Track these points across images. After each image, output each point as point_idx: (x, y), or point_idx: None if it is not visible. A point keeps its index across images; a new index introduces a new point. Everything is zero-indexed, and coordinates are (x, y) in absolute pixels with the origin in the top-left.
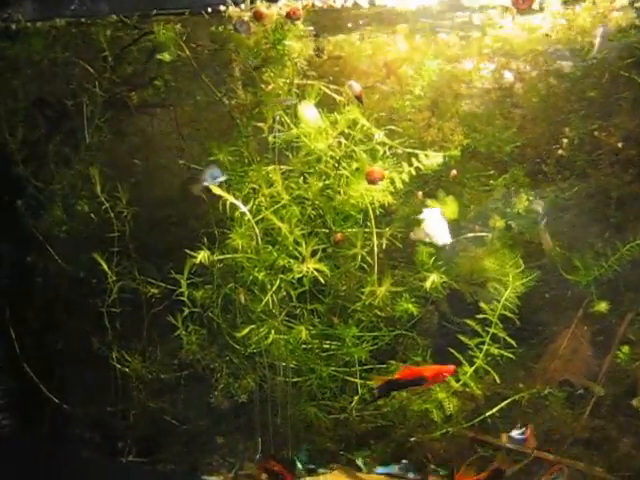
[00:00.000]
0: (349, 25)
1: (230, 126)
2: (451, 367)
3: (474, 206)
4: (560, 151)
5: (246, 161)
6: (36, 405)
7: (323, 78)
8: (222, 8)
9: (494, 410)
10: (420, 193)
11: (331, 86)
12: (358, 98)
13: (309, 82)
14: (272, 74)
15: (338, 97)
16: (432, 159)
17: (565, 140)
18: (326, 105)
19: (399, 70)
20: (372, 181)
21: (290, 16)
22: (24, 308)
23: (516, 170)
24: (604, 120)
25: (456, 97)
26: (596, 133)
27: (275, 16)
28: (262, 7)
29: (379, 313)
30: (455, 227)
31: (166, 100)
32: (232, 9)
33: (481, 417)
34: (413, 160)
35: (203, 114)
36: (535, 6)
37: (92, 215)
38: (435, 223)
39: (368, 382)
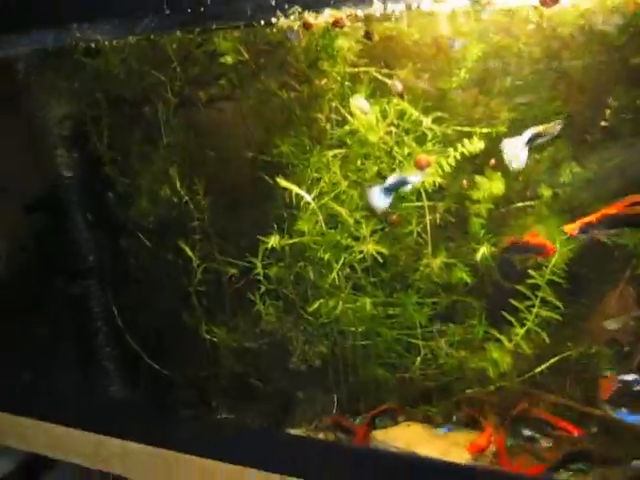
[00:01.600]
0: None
1: (290, 118)
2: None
3: (522, 177)
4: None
5: (308, 149)
6: (140, 372)
7: (375, 63)
8: (273, 20)
9: (542, 367)
10: (465, 181)
11: (383, 70)
12: (400, 96)
13: (360, 69)
14: (324, 70)
15: (389, 81)
16: (475, 144)
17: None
18: (379, 89)
19: (447, 49)
20: (420, 167)
21: (336, 25)
22: (122, 288)
23: (560, 142)
24: None
25: (502, 73)
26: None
27: (323, 24)
28: (310, 18)
29: (437, 280)
30: (503, 199)
31: (232, 96)
32: (282, 20)
33: (530, 373)
34: (458, 145)
35: (266, 107)
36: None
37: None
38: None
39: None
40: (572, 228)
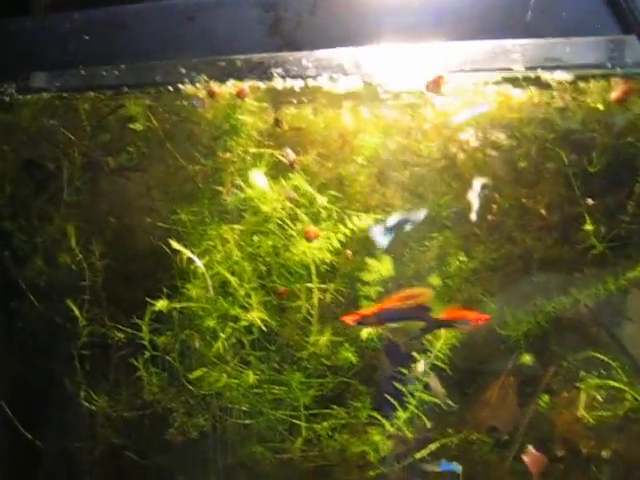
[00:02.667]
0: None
1: (194, 189)
2: (487, 316)
3: (414, 264)
4: (490, 216)
5: (206, 221)
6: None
7: (283, 147)
8: (181, 87)
9: (423, 452)
10: (349, 251)
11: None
12: (291, 165)
13: (260, 150)
14: (228, 144)
15: (294, 165)
16: (363, 221)
17: (495, 206)
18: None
19: (351, 141)
20: (308, 239)
21: (239, 95)
22: (6, 351)
23: (448, 233)
24: (531, 188)
25: (398, 167)
26: (524, 200)
27: (228, 94)
28: (215, 86)
29: (325, 361)
30: (396, 284)
31: (139, 165)
32: (189, 87)
33: (411, 459)
34: (347, 222)
35: (171, 178)
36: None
37: (69, 266)
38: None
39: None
40: (350, 319)
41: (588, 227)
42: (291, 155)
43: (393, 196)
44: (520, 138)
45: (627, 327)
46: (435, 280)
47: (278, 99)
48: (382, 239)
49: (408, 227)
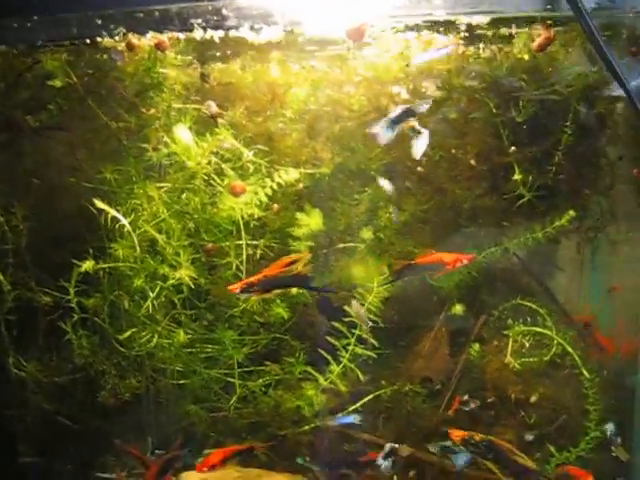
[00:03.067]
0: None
1: (119, 147)
2: (470, 255)
3: (345, 219)
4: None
5: (132, 179)
6: None
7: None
8: (99, 39)
9: (357, 405)
10: (276, 205)
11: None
12: (213, 117)
13: (185, 106)
14: (151, 100)
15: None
16: (290, 174)
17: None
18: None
19: (282, 95)
20: (235, 194)
21: (158, 47)
22: None
23: (379, 186)
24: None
25: (329, 120)
26: (454, 151)
27: (147, 47)
28: (133, 38)
29: (257, 318)
30: (327, 238)
31: (61, 123)
32: (107, 40)
33: (345, 411)
34: (275, 175)
35: (95, 136)
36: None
37: None
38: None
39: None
40: (234, 287)
41: (517, 177)
42: (213, 107)
43: (322, 149)
44: (450, 89)
45: (557, 276)
46: (366, 233)
47: (204, 53)
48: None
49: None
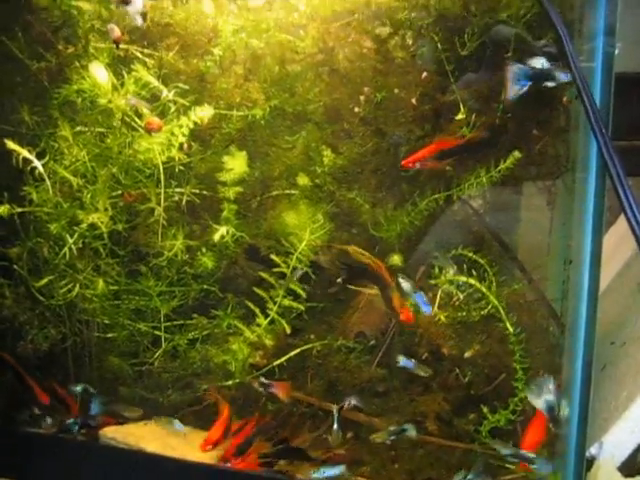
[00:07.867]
0: None
1: (40, 88)
2: None
3: (280, 164)
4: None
5: (51, 120)
6: None
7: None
8: None
9: (282, 360)
10: (186, 145)
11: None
12: (116, 42)
13: (104, 46)
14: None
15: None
16: (204, 112)
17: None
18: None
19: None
20: (150, 130)
21: None
22: None
23: (313, 128)
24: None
25: (265, 61)
26: (396, 91)
27: None
28: None
29: (187, 269)
30: (262, 185)
31: None
32: None
33: (269, 366)
34: (191, 114)
35: (14, 76)
36: None
37: None
38: None
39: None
40: None
41: (460, 116)
42: (116, 32)
43: (257, 91)
44: (395, 25)
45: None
46: (302, 180)
47: None
48: None
49: None
